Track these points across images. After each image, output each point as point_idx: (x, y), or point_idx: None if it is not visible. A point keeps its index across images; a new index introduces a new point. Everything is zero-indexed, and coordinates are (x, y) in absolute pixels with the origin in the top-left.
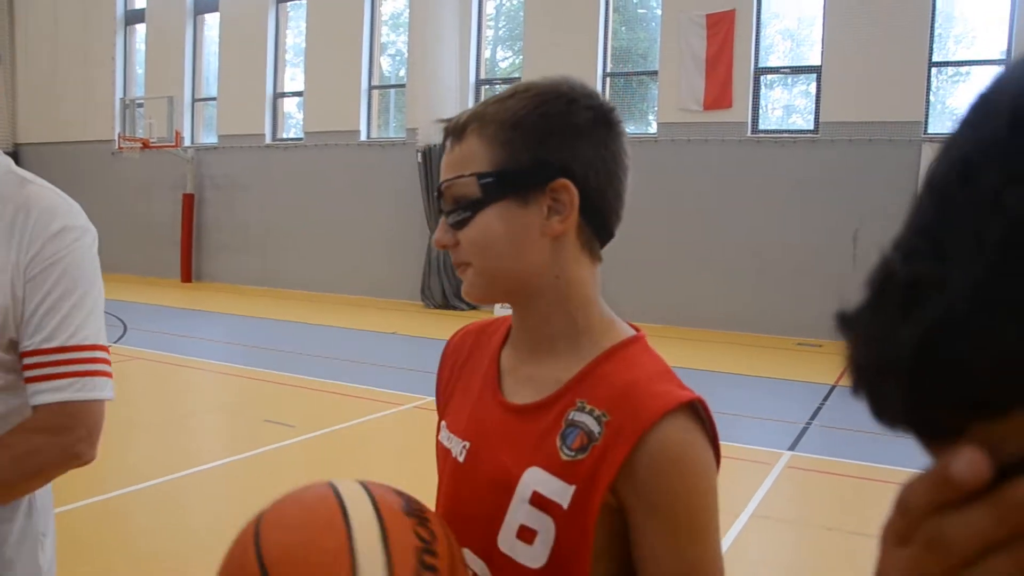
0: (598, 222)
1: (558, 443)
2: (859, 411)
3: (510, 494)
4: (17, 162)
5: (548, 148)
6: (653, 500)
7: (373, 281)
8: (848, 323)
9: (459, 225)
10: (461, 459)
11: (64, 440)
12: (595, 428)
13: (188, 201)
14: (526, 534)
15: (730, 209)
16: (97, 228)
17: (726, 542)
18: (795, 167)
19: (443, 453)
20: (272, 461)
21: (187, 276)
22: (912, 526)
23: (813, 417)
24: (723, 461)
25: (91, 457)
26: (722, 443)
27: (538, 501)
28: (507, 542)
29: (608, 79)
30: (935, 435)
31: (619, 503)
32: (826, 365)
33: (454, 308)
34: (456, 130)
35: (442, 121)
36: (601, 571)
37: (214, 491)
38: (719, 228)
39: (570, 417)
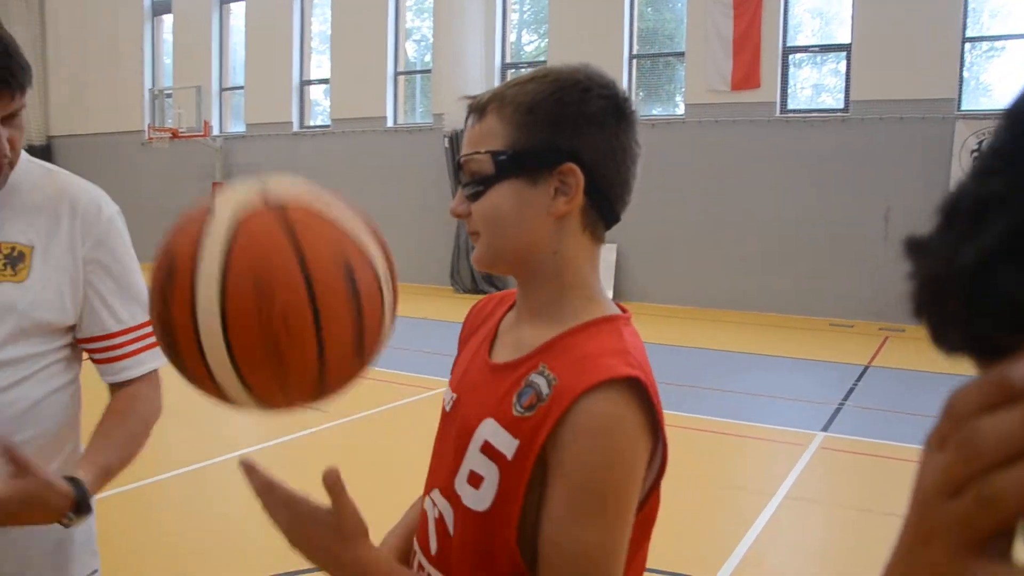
0: (603, 206)
1: (513, 400)
2: (892, 391)
3: (468, 442)
4: (50, 154)
5: (559, 133)
6: (565, 463)
7: (402, 266)
8: (916, 246)
9: (473, 197)
10: (448, 409)
11: (154, 404)
12: (545, 390)
13: (217, 190)
14: (475, 479)
15: (760, 190)
16: (128, 218)
17: (760, 522)
18: (825, 147)
19: (443, 405)
20: (305, 446)
21: None
22: (954, 430)
23: (846, 398)
24: (756, 443)
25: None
26: (755, 424)
27: (487, 450)
28: (460, 484)
29: (634, 61)
30: (992, 356)
31: (547, 462)
32: (859, 345)
33: (483, 292)
34: (478, 108)
35: (467, 98)
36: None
37: (243, 478)
38: (748, 209)
39: (529, 378)
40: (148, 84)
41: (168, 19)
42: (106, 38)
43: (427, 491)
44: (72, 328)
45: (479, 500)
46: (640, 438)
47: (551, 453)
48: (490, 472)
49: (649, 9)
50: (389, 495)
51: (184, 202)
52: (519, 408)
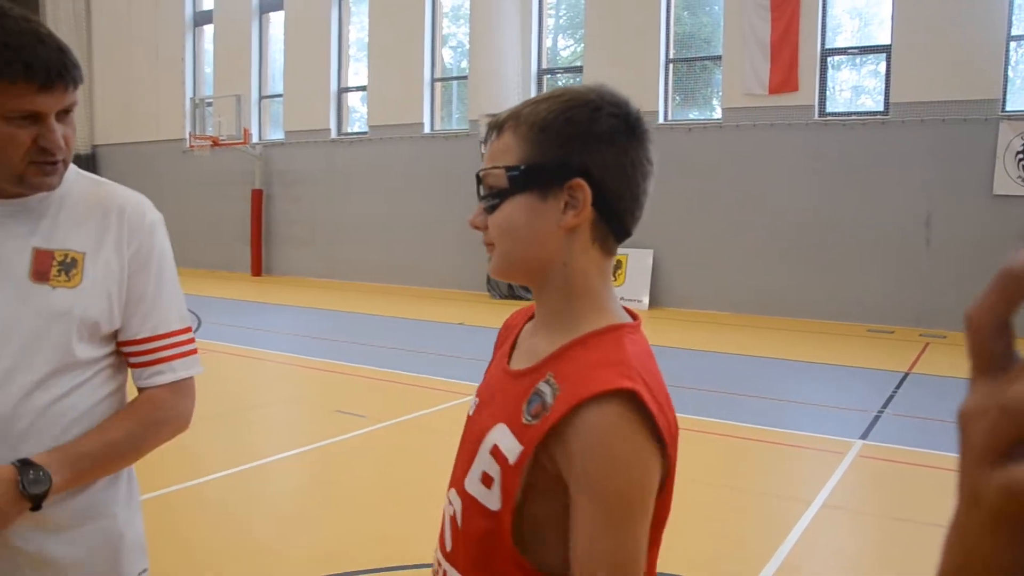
0: (613, 220)
1: (523, 407)
2: (932, 399)
3: (481, 444)
4: (95, 163)
5: (569, 150)
6: (578, 476)
7: (438, 273)
8: None
9: (489, 210)
10: (471, 413)
11: (180, 413)
12: (549, 400)
13: (257, 197)
14: (486, 479)
15: (798, 194)
16: (170, 225)
17: (797, 531)
18: (865, 150)
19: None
20: (344, 451)
21: (257, 270)
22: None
23: (885, 405)
24: (794, 450)
25: (189, 424)
26: (793, 431)
27: (495, 453)
28: (472, 484)
29: (671, 65)
30: None
31: (557, 470)
32: (899, 352)
33: (519, 298)
34: (496, 126)
35: (489, 116)
36: (559, 537)
37: (286, 481)
38: (786, 214)
39: (537, 387)
40: (189, 93)
41: (208, 29)
42: (148, 49)
43: (448, 489)
44: (116, 333)
45: (492, 499)
46: (643, 444)
47: (562, 463)
48: (496, 474)
49: (685, 13)
50: (424, 500)
51: (224, 209)
52: (528, 416)
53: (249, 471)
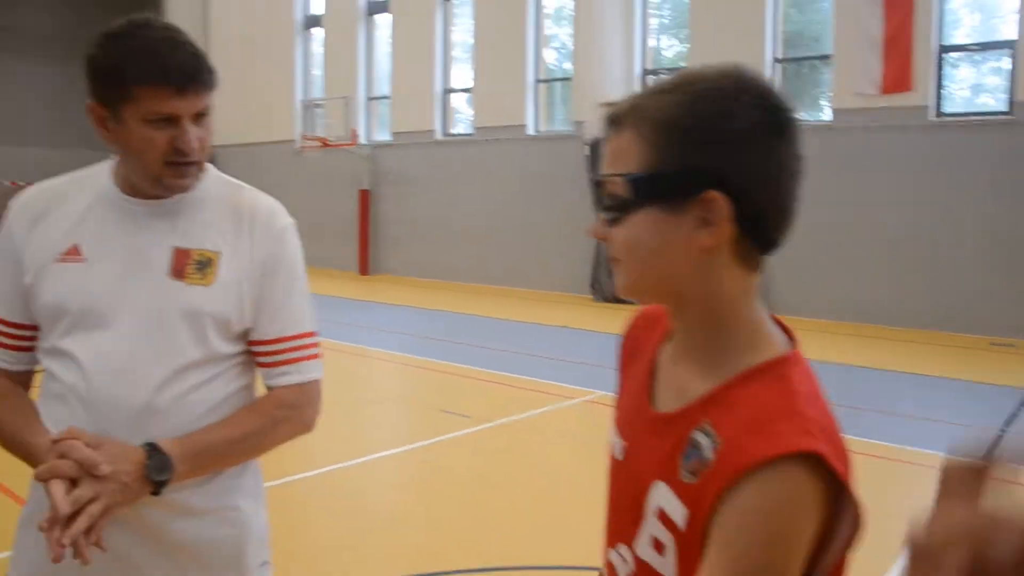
0: (758, 234)
1: (680, 462)
2: None
3: (644, 504)
4: (213, 164)
5: (702, 155)
6: (724, 531)
7: (540, 274)
8: None
9: (611, 222)
10: (620, 457)
11: (303, 413)
12: (709, 455)
13: (364, 197)
14: (658, 545)
15: (913, 199)
16: None
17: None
18: (986, 152)
19: (611, 447)
20: (448, 450)
21: (364, 269)
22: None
23: (1008, 423)
24: (908, 467)
25: (314, 427)
26: (909, 448)
27: (663, 518)
28: (643, 549)
29: (778, 65)
30: None
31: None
32: (1022, 366)
33: (624, 302)
34: (615, 120)
35: (606, 105)
36: None
37: (391, 479)
38: (902, 220)
39: (693, 437)
40: (299, 95)
41: (316, 32)
42: (261, 53)
43: (611, 542)
44: (247, 332)
45: (667, 567)
46: (810, 515)
47: (712, 518)
48: (668, 540)
49: (793, 10)
50: (521, 502)
51: (333, 208)
52: (686, 474)
53: (355, 467)
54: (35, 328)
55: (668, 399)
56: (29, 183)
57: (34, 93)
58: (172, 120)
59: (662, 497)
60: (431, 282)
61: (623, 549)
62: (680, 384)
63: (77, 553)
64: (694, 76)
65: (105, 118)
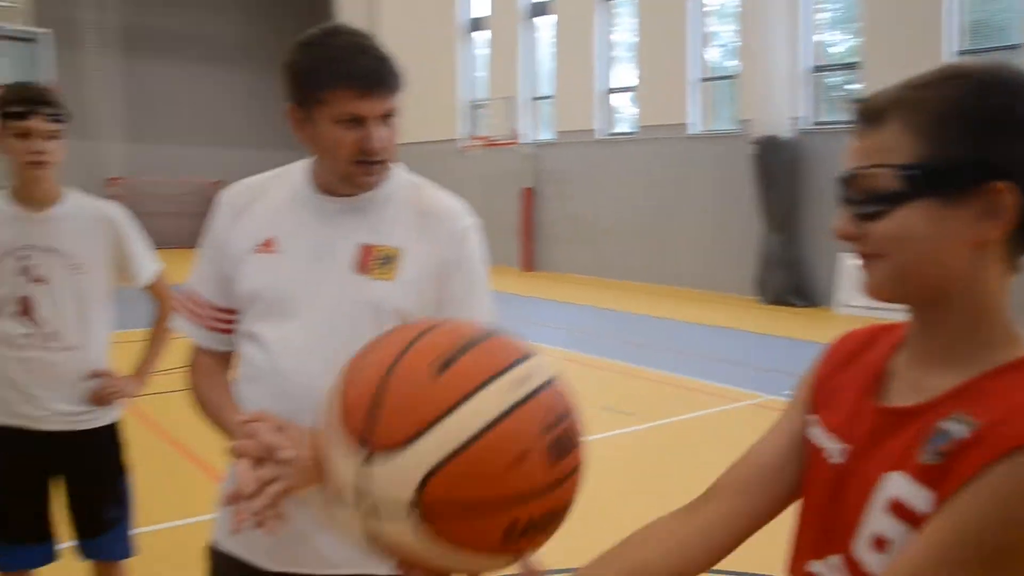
0: None
1: (921, 449)
2: None
3: (868, 500)
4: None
5: (988, 145)
6: (958, 508)
7: (701, 273)
8: None
9: (869, 217)
10: (838, 460)
11: None
12: (964, 435)
13: (527, 195)
14: (880, 543)
15: None
16: None
17: None
18: None
19: (812, 452)
20: (610, 448)
21: (528, 265)
22: None
23: None
24: None
25: None
26: None
27: (896, 509)
28: (862, 549)
29: (962, 57)
30: None
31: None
32: None
33: (792, 305)
34: (872, 114)
35: (853, 102)
36: None
37: None
38: None
39: (939, 426)
40: (463, 96)
41: (477, 35)
42: (425, 56)
43: (816, 554)
44: None
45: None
46: None
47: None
48: (900, 534)
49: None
50: (680, 502)
51: (496, 207)
52: (930, 456)
53: None
54: (237, 312)
55: (904, 396)
56: (225, 182)
57: (231, 97)
58: (359, 121)
59: (896, 487)
60: (592, 279)
61: (833, 559)
62: (918, 382)
63: (259, 524)
64: (965, 69)
65: (301, 120)
